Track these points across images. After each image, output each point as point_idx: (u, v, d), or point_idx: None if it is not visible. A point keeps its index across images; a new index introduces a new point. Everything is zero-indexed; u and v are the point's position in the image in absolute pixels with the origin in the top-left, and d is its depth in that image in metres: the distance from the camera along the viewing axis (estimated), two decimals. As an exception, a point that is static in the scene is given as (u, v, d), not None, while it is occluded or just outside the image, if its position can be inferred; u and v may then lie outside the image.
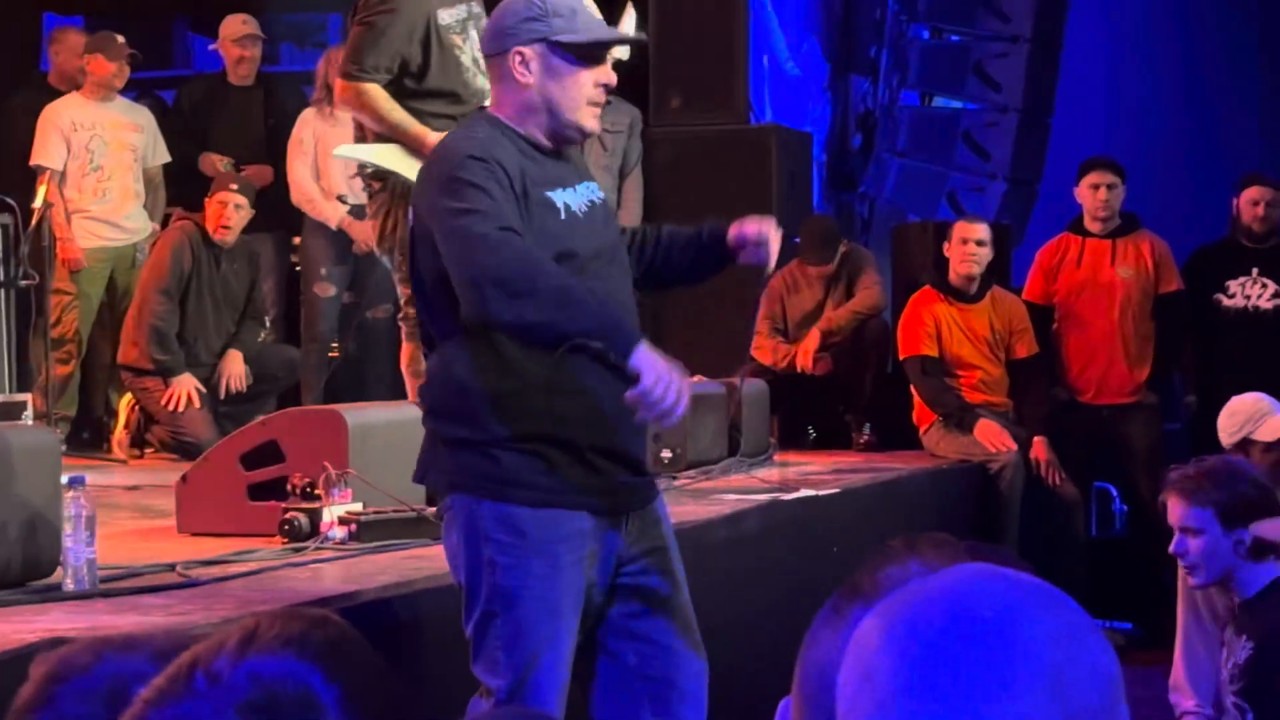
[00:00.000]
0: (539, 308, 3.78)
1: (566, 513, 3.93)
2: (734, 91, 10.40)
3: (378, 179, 6.62)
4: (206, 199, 9.35)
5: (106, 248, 9.59)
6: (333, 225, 9.65)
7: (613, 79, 4.12)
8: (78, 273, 9.48)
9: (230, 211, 9.25)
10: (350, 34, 6.78)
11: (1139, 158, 10.27)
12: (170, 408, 9.01)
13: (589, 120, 4.03)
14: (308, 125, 9.77)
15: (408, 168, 6.41)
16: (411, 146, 6.51)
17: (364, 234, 9.56)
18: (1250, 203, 9.43)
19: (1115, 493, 9.42)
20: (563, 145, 4.07)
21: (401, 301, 6.69)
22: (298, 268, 9.97)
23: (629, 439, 4.03)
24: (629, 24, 7.26)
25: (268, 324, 9.66)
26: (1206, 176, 12.16)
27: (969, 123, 11.77)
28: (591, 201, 4.04)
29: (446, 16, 6.70)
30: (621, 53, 7.32)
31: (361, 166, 6.72)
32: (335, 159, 9.57)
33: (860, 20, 12.27)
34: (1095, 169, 9.39)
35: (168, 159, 9.92)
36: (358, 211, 9.60)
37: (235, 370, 9.32)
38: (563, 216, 3.94)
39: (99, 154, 9.55)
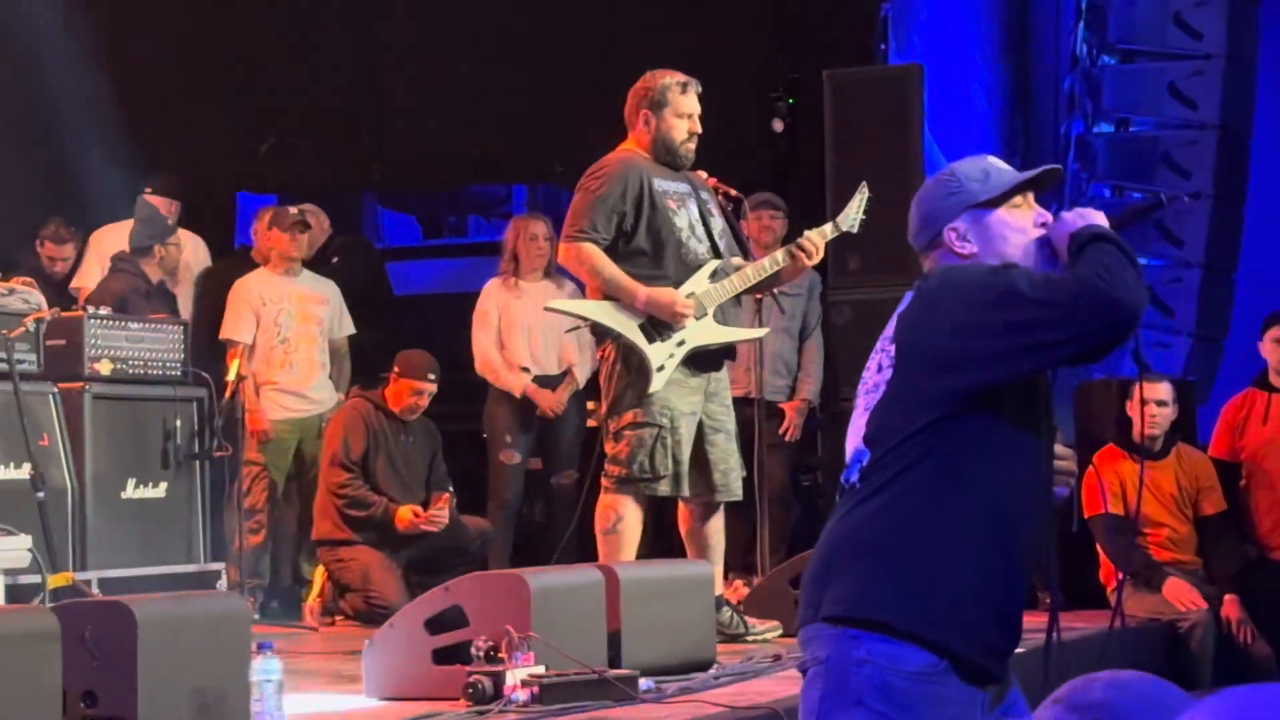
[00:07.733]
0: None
1: (958, 680, 3.70)
2: (910, 254, 10.43)
3: (597, 334, 7.31)
4: (394, 378, 9.31)
5: (293, 419, 9.74)
6: (516, 394, 9.74)
7: (1033, 205, 4.10)
8: (266, 444, 9.63)
9: (424, 400, 9.28)
10: (573, 200, 7.28)
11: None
12: (405, 529, 9.04)
13: (1028, 257, 3.99)
14: (491, 297, 9.88)
15: (616, 322, 7.18)
16: (624, 301, 7.19)
17: (548, 401, 9.68)
18: None
19: (1309, 650, 9.25)
20: None
21: (607, 460, 7.27)
22: (484, 435, 10.02)
23: (1023, 604, 3.91)
24: (861, 200, 7.57)
25: (451, 490, 9.65)
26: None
27: (1151, 279, 11.70)
28: None
29: (663, 184, 7.30)
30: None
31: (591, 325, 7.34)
32: (519, 330, 9.73)
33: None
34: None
35: (353, 331, 10.06)
36: (542, 381, 9.72)
37: (441, 512, 9.23)
38: None
39: (286, 327, 9.71)
